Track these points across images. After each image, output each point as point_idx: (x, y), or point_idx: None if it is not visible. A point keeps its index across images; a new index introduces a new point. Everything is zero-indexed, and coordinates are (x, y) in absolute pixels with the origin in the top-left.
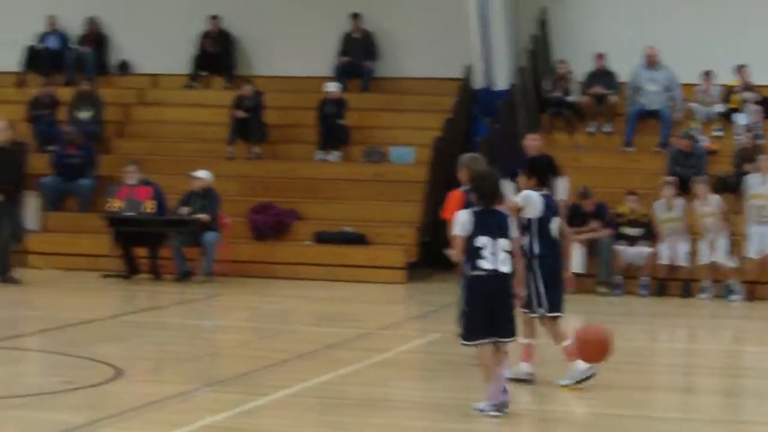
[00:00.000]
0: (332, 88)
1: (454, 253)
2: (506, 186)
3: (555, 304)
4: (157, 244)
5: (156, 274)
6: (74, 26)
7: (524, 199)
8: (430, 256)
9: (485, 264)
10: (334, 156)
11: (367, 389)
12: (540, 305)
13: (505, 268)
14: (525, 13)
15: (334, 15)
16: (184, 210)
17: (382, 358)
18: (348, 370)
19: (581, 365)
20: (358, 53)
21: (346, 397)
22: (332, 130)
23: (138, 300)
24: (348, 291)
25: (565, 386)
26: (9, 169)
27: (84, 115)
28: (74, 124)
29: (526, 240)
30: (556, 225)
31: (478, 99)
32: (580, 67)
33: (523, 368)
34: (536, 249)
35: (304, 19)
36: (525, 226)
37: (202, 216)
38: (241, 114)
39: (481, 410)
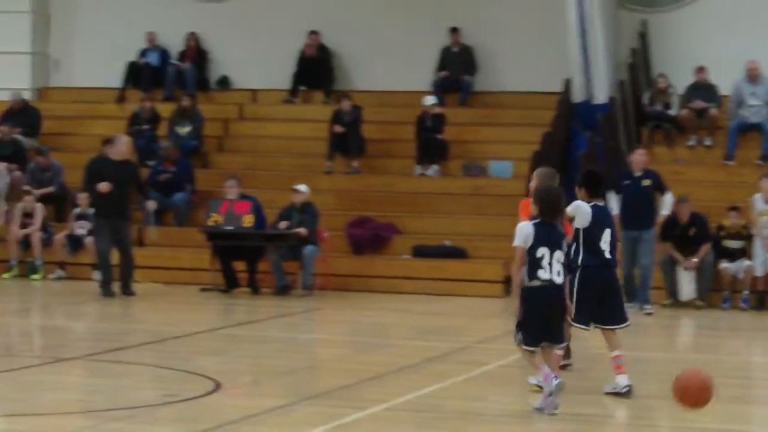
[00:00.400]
0: (430, 101)
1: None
2: (611, 200)
3: (585, 316)
4: (256, 258)
5: (254, 288)
6: (174, 42)
7: (574, 209)
8: None
9: (543, 274)
10: (432, 170)
11: (465, 403)
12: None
13: (559, 279)
14: (625, 26)
15: (432, 29)
16: (283, 224)
17: (481, 372)
18: (446, 384)
19: (623, 380)
20: (457, 67)
21: (444, 411)
22: (430, 144)
23: (237, 314)
24: (446, 305)
25: (608, 393)
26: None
27: (183, 130)
28: (174, 140)
29: (572, 250)
30: (607, 237)
31: (577, 113)
32: (680, 81)
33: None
34: (581, 260)
35: (403, 33)
36: (574, 237)
37: (301, 230)
38: (339, 129)
39: (539, 408)
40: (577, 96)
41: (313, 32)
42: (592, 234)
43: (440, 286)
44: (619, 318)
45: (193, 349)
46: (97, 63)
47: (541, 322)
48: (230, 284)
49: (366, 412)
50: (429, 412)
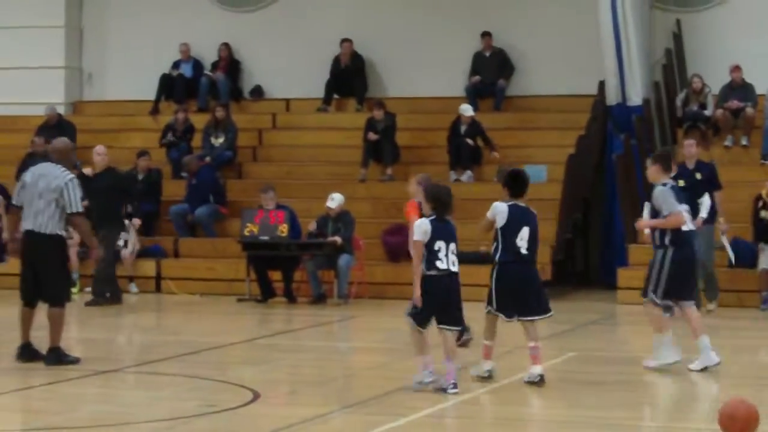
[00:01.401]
0: (468, 112)
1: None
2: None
3: (508, 308)
4: (291, 268)
5: (291, 298)
6: (208, 53)
7: (492, 210)
8: (564, 275)
9: (441, 264)
10: (466, 176)
11: (504, 408)
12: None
13: (454, 269)
14: (659, 26)
15: (465, 34)
16: (312, 225)
17: (520, 377)
18: (485, 390)
19: (537, 369)
20: (490, 72)
21: (483, 417)
22: (464, 150)
23: (273, 323)
24: (482, 311)
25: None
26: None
27: (218, 141)
28: (209, 150)
29: (493, 247)
30: (524, 234)
31: (612, 115)
32: (715, 80)
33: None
34: (498, 256)
35: (435, 39)
36: (494, 235)
37: (336, 238)
38: (373, 136)
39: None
40: (612, 98)
41: (346, 40)
42: (508, 232)
43: (477, 292)
44: (536, 310)
45: (231, 359)
46: (130, 76)
47: (439, 306)
48: (266, 294)
49: (405, 420)
50: (469, 419)
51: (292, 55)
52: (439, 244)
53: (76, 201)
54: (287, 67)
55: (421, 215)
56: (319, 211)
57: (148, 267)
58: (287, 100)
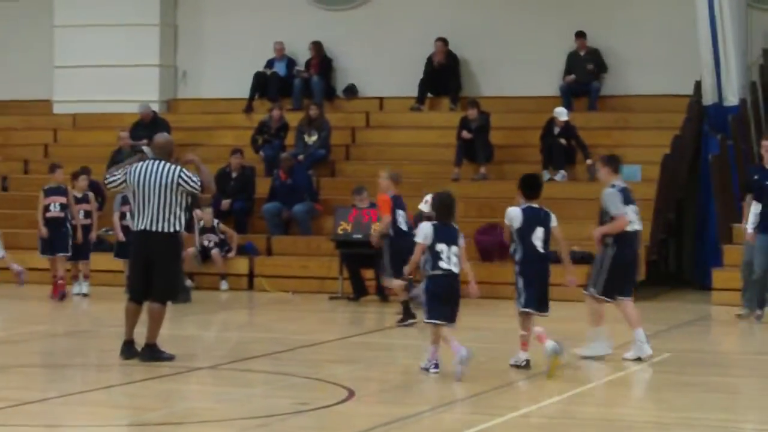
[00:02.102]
0: (562, 116)
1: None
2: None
3: (537, 302)
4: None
5: (383, 296)
6: (301, 51)
7: (507, 216)
8: (659, 275)
9: (444, 265)
10: (560, 175)
11: (599, 409)
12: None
13: (455, 269)
14: (755, 27)
15: (559, 34)
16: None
17: (615, 378)
18: (580, 390)
19: (523, 355)
20: (584, 71)
21: (578, 417)
22: (557, 150)
23: (365, 321)
24: (576, 310)
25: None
26: None
27: (311, 139)
28: (302, 149)
29: (512, 248)
30: (539, 234)
31: (708, 115)
32: None
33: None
34: (518, 255)
35: (530, 39)
36: (512, 237)
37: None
38: (467, 135)
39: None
40: (708, 98)
41: (440, 39)
42: (524, 233)
43: (570, 292)
44: (546, 306)
45: (324, 357)
46: (224, 73)
47: (441, 303)
48: (358, 292)
49: (499, 420)
50: (564, 419)
51: (386, 53)
52: (441, 247)
53: (194, 182)
54: (381, 66)
55: (393, 210)
56: (412, 210)
57: (241, 264)
58: (381, 99)
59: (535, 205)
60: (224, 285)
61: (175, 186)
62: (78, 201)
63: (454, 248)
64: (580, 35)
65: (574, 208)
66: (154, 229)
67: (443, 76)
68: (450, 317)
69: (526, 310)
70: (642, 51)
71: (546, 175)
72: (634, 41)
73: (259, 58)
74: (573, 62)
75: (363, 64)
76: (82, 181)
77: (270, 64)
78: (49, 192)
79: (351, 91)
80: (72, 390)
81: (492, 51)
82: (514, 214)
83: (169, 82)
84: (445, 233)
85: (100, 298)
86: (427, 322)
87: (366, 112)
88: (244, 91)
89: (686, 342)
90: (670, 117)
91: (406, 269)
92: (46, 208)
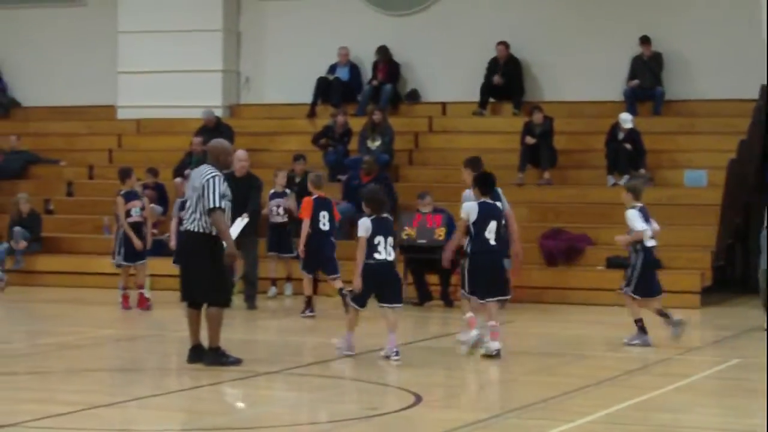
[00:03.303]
0: (627, 124)
1: None
2: None
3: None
4: (448, 271)
5: (448, 301)
6: (364, 56)
7: (464, 209)
8: (726, 281)
9: (378, 256)
10: (624, 180)
11: (667, 415)
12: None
13: (390, 258)
14: None
15: (623, 39)
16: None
17: (682, 384)
18: (648, 396)
19: (495, 345)
20: (649, 76)
21: (647, 424)
22: (622, 155)
23: (431, 327)
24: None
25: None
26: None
27: (374, 144)
28: (365, 154)
29: (466, 241)
30: (492, 227)
31: None
32: None
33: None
34: (470, 248)
35: (593, 43)
36: (467, 229)
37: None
38: (531, 140)
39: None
40: None
41: (503, 43)
42: (478, 226)
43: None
44: (501, 293)
45: (390, 362)
46: (287, 79)
47: (377, 289)
48: (423, 297)
49: (566, 426)
50: (633, 425)
51: (448, 58)
52: (378, 239)
53: (213, 197)
54: (443, 71)
55: (313, 212)
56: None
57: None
58: (443, 104)
59: (489, 201)
60: (272, 291)
61: (201, 189)
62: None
63: (390, 239)
64: (645, 40)
65: None
66: (189, 228)
67: (506, 80)
68: (390, 299)
69: (470, 296)
70: (707, 55)
71: (610, 180)
72: (698, 45)
73: (322, 63)
74: (637, 67)
75: (425, 69)
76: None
77: (332, 69)
78: (128, 197)
79: (414, 96)
80: (140, 394)
81: (555, 55)
82: (471, 208)
83: (232, 88)
84: (382, 226)
85: (165, 303)
86: (354, 308)
87: (429, 117)
88: (306, 96)
89: (753, 348)
90: (736, 121)
91: (356, 282)
92: (128, 214)
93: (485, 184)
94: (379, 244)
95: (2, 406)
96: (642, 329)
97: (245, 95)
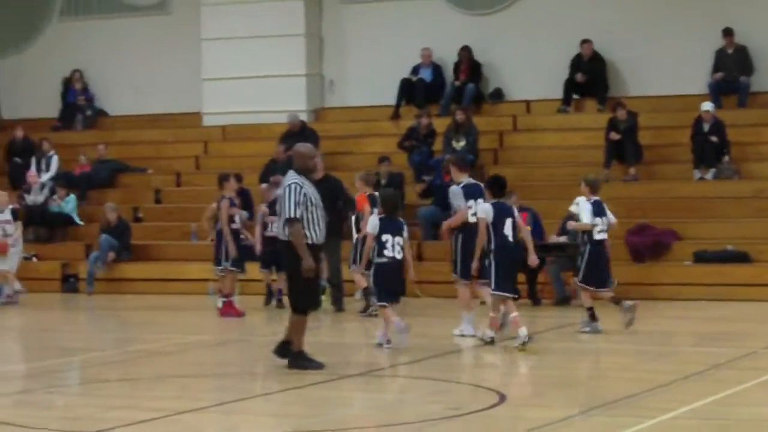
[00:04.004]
0: (707, 108)
1: None
2: None
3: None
4: (535, 270)
5: (535, 300)
6: (447, 57)
7: (481, 211)
8: None
9: (388, 253)
10: (710, 174)
11: (754, 409)
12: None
13: (399, 256)
14: None
15: (706, 32)
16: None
17: (762, 380)
18: (735, 391)
19: (523, 331)
20: (733, 69)
21: (733, 418)
22: (708, 148)
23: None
24: (731, 310)
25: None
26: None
27: (459, 144)
28: (449, 154)
29: (486, 240)
30: (509, 225)
31: None
32: None
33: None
34: (493, 245)
35: (676, 37)
36: (487, 229)
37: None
38: (615, 136)
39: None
40: None
41: (586, 41)
42: (496, 225)
43: (723, 292)
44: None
45: (476, 361)
46: (370, 81)
47: (387, 286)
48: None
49: (651, 422)
50: (717, 420)
51: (531, 56)
52: (386, 237)
53: (289, 207)
54: (527, 69)
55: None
56: (561, 213)
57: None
58: (527, 102)
59: (503, 201)
60: (359, 293)
61: (282, 199)
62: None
63: (398, 239)
64: (728, 32)
65: (727, 207)
66: (278, 235)
67: (589, 77)
68: (395, 298)
69: (507, 295)
70: None
71: (696, 174)
72: None
73: (405, 64)
74: (721, 60)
75: (508, 67)
76: (232, 183)
77: (415, 70)
78: (231, 202)
79: (497, 95)
80: (225, 399)
81: (638, 50)
82: (486, 209)
83: (317, 91)
84: (390, 225)
85: (252, 308)
86: (380, 305)
87: (513, 116)
88: (390, 98)
89: None
90: None
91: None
92: (231, 219)
93: (497, 186)
94: (387, 241)
95: (93, 413)
96: (592, 317)
97: (329, 98)
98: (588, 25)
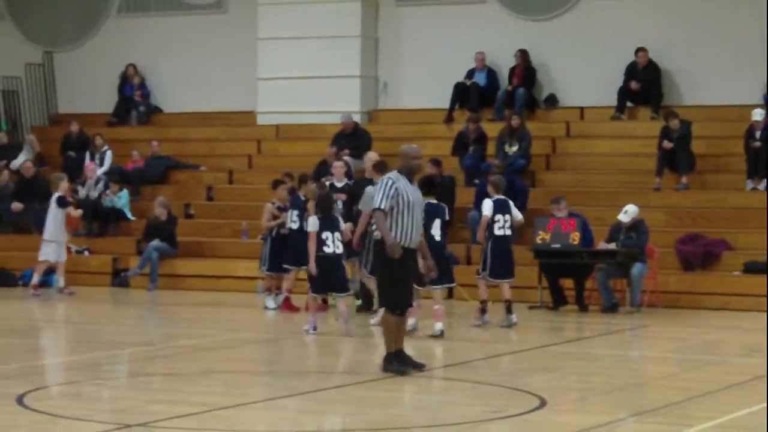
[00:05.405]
0: (758, 116)
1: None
2: None
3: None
4: (583, 276)
5: (582, 306)
6: (503, 61)
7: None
8: None
9: (327, 249)
10: (763, 185)
11: None
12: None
13: (338, 251)
14: None
15: (761, 41)
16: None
17: None
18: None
19: (439, 326)
20: None
21: (762, 430)
22: (760, 158)
23: (564, 331)
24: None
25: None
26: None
27: (512, 149)
28: (502, 159)
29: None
30: (437, 224)
31: None
32: None
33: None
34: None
35: (732, 47)
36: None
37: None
38: (668, 145)
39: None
40: None
41: (642, 49)
42: (426, 225)
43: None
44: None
45: (520, 365)
46: (424, 84)
47: (326, 278)
48: (558, 302)
49: (693, 429)
50: (757, 430)
51: (586, 62)
52: (326, 234)
53: (377, 197)
54: (581, 75)
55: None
56: (612, 220)
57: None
58: (581, 108)
59: (434, 201)
60: None
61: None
62: (282, 211)
63: (337, 234)
64: None
65: None
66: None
67: (644, 85)
68: (338, 288)
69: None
70: None
71: (749, 185)
72: None
73: (459, 68)
74: None
75: (563, 73)
76: (282, 191)
77: (470, 74)
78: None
79: (552, 101)
80: (268, 395)
81: (693, 59)
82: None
83: (371, 93)
84: (329, 223)
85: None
86: (314, 295)
87: (566, 122)
88: (444, 101)
89: None
90: None
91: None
92: (282, 224)
93: (427, 186)
94: (327, 238)
95: (136, 406)
96: (483, 310)
97: (383, 100)
98: (643, 33)
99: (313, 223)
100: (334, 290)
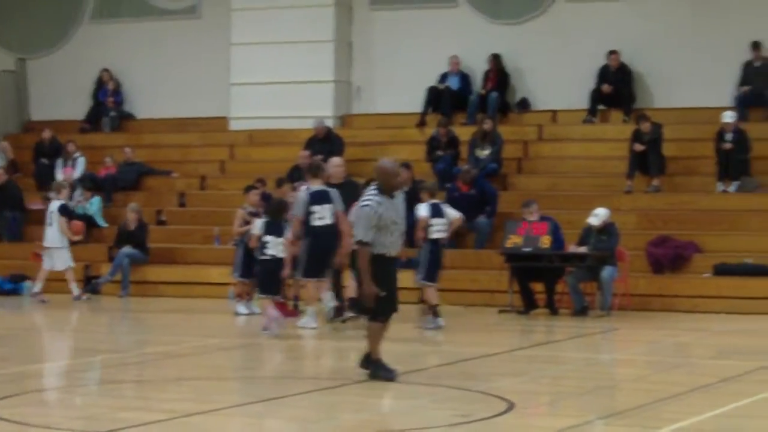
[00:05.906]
0: (728, 119)
1: None
2: None
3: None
4: (554, 279)
5: (553, 309)
6: (474, 65)
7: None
8: None
9: (268, 252)
10: (733, 187)
11: (760, 422)
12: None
13: (280, 255)
14: None
15: (732, 44)
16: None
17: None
18: (744, 403)
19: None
20: (760, 82)
21: (741, 431)
22: (730, 161)
23: (534, 335)
24: (749, 324)
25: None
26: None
27: (483, 153)
28: (473, 163)
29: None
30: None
31: None
32: None
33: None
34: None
35: (703, 50)
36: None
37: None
38: (639, 147)
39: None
40: None
41: (614, 52)
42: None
43: (742, 305)
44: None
45: (490, 370)
46: (398, 88)
47: (268, 280)
48: (528, 305)
49: None
50: None
51: (558, 66)
52: (269, 238)
53: (358, 230)
54: (554, 78)
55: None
56: (583, 223)
57: (409, 278)
58: (553, 112)
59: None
60: None
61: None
62: (253, 216)
63: (280, 239)
64: (756, 45)
65: (749, 220)
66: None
67: (616, 88)
68: (273, 291)
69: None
70: None
71: (720, 187)
72: None
73: (432, 72)
74: (748, 73)
75: (536, 77)
76: (253, 196)
77: (443, 78)
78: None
79: (524, 104)
80: (235, 402)
81: (665, 62)
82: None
83: (344, 98)
84: (273, 228)
85: None
86: (261, 297)
87: (539, 125)
88: (417, 105)
89: None
90: None
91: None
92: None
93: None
94: (269, 242)
95: (106, 413)
96: (435, 314)
97: (356, 105)
98: (615, 37)
99: (259, 227)
100: (270, 293)
